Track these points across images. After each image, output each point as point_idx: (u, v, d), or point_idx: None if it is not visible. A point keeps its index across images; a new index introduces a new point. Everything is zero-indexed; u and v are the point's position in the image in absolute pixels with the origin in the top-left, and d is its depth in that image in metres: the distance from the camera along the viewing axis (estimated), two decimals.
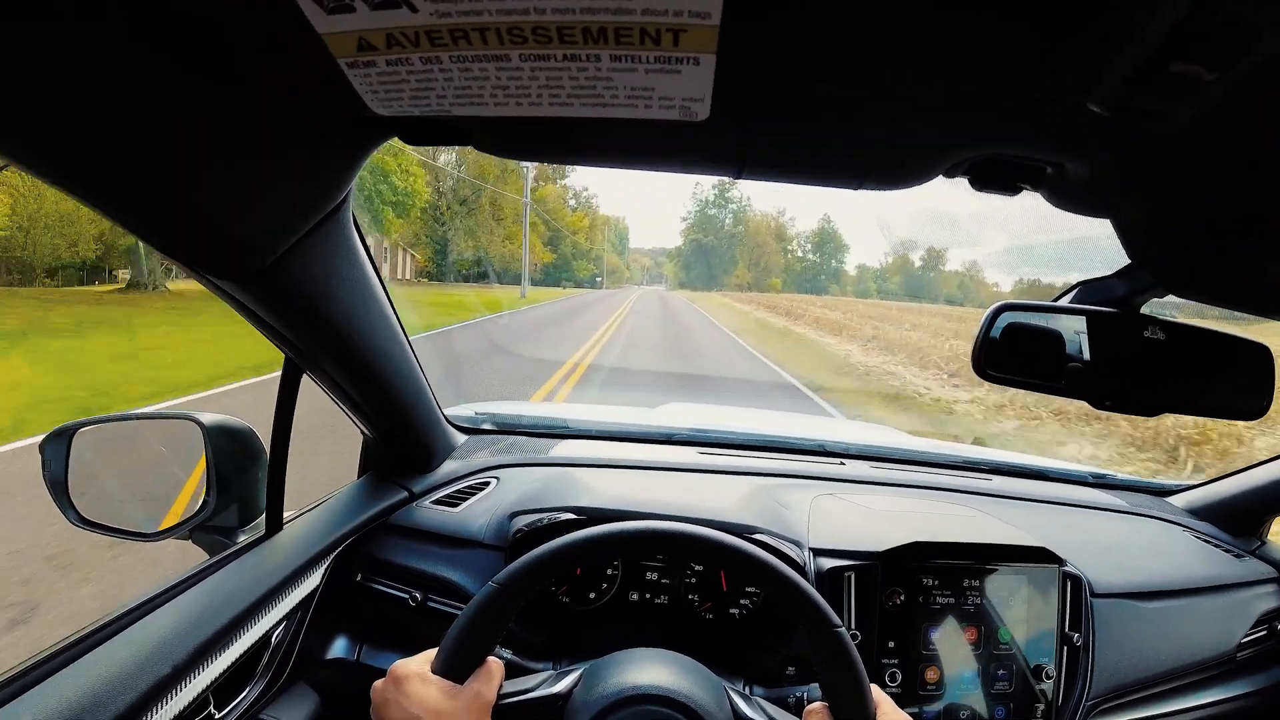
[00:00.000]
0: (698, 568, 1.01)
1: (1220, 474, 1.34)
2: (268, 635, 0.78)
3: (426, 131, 0.44)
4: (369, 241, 0.73)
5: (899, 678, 0.91)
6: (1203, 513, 1.31)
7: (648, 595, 1.01)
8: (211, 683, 0.67)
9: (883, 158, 0.46)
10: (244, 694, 0.76)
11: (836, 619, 0.68)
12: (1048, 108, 0.38)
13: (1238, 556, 1.21)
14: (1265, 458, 1.26)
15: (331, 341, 0.73)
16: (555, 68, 0.34)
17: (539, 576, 0.70)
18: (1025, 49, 0.34)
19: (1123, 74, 0.31)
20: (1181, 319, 0.70)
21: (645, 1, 0.30)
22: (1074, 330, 0.71)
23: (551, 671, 0.73)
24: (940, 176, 0.48)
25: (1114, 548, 1.16)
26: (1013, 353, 0.71)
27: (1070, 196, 0.50)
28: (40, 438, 0.89)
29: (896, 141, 0.44)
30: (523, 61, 0.34)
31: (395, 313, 0.82)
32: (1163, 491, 1.41)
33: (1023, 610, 0.95)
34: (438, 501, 1.05)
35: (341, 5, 0.31)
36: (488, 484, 1.10)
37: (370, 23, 0.32)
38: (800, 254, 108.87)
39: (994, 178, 0.47)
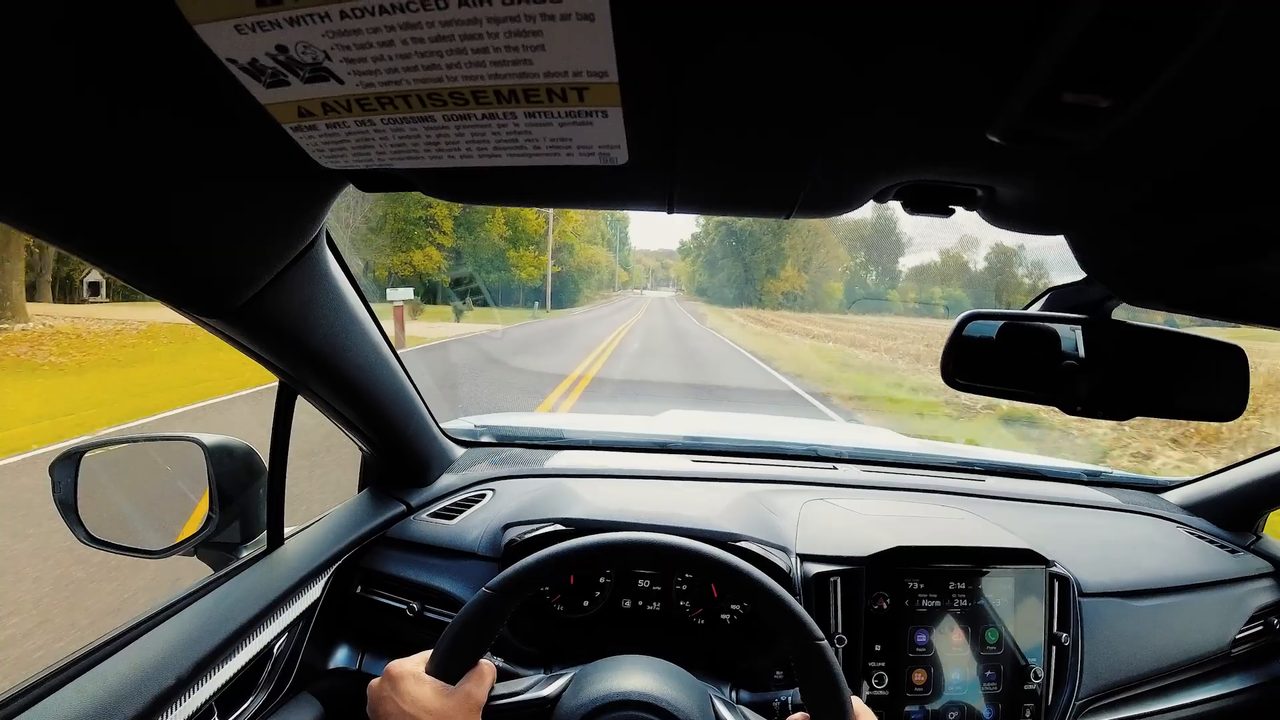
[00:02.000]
0: (689, 575, 1.02)
1: (1215, 469, 1.34)
2: (269, 646, 0.81)
3: (377, 181, 0.48)
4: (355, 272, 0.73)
5: (885, 680, 0.92)
6: (1197, 508, 1.32)
7: (640, 602, 1.03)
8: (214, 694, 0.70)
9: (808, 190, 0.48)
10: (247, 704, 0.79)
11: (818, 631, 0.70)
12: (958, 141, 0.40)
13: (1232, 552, 1.21)
14: (1259, 452, 1.26)
15: (318, 366, 0.76)
16: (478, 125, 0.37)
17: (529, 584, 0.73)
18: (926, 87, 0.36)
19: (1018, 107, 0.33)
20: (1153, 323, 0.71)
21: (546, 65, 0.32)
22: (1060, 341, 0.72)
23: (542, 676, 0.76)
24: (872, 201, 0.49)
25: (1106, 546, 1.16)
26: (984, 360, 0.72)
27: (1005, 217, 0.51)
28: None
29: (818, 176, 0.46)
30: (447, 121, 0.37)
31: (384, 334, 0.85)
32: (1157, 488, 1.41)
33: (1010, 611, 0.96)
34: (435, 514, 1.07)
35: (277, 80, 0.34)
36: (483, 496, 1.12)
37: (304, 94, 0.35)
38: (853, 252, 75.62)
39: (925, 202, 0.48)
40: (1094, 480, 1.43)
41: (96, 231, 0.45)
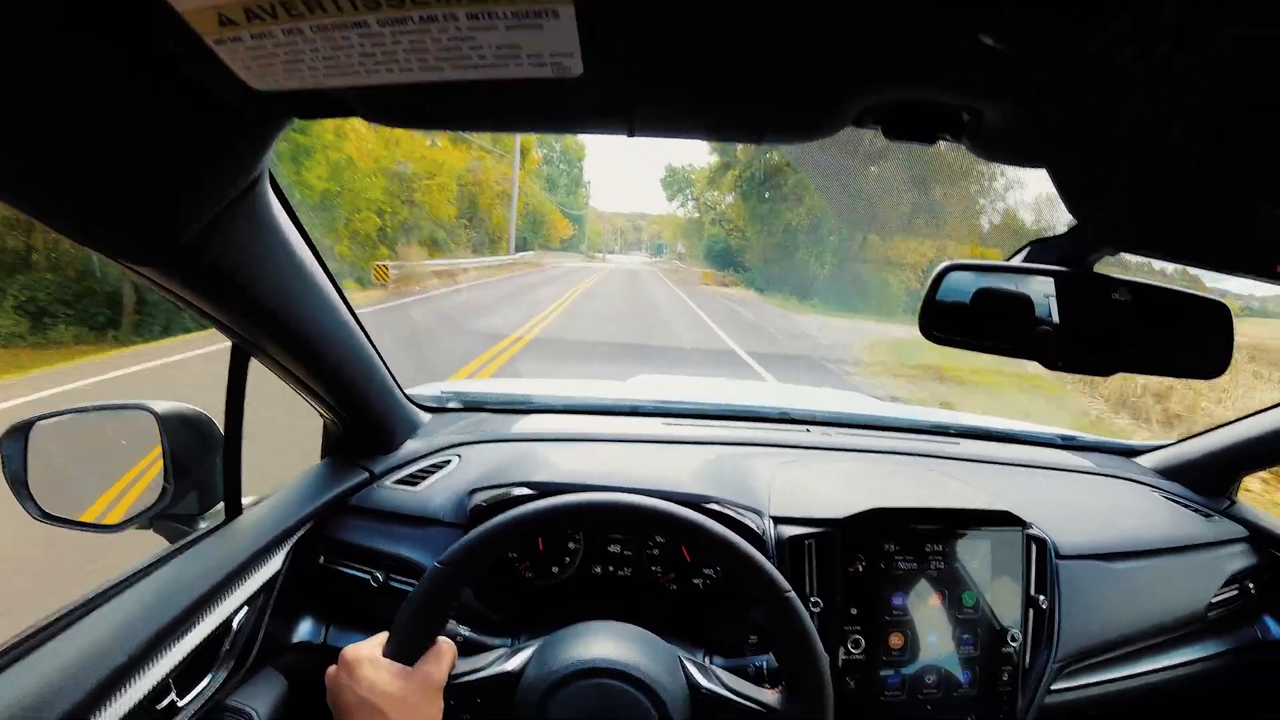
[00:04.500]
0: (660, 540, 1.01)
1: (1189, 434, 1.35)
2: (229, 621, 0.78)
3: (314, 106, 0.44)
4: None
5: (862, 644, 0.91)
6: (1171, 473, 1.32)
7: (611, 568, 1.01)
8: (171, 670, 0.67)
9: (780, 109, 0.45)
10: (206, 681, 0.76)
11: (785, 584, 0.69)
12: (948, 46, 0.37)
13: (1207, 516, 1.22)
14: (1234, 417, 1.26)
15: (269, 324, 0.72)
16: (415, 30, 0.34)
17: (485, 553, 0.70)
18: None
19: (1015, 3, 0.30)
20: (1137, 278, 0.69)
21: None
22: (1042, 294, 0.70)
23: (505, 649, 0.74)
24: (850, 126, 0.46)
25: (1082, 509, 1.16)
26: (964, 313, 0.70)
27: (993, 145, 0.48)
28: None
29: (790, 92, 0.43)
30: (381, 26, 0.34)
31: (341, 294, 0.81)
32: (1131, 452, 1.42)
33: (987, 574, 0.96)
34: (399, 481, 1.04)
35: None
36: (449, 462, 1.09)
37: None
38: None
39: (907, 126, 0.45)
40: (1068, 444, 1.44)
41: (8, 173, 0.42)
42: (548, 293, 16.49)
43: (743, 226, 30.97)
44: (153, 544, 0.86)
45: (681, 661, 0.72)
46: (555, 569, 1.01)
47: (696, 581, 1.01)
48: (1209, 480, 1.28)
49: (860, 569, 0.93)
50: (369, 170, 16.17)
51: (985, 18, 0.33)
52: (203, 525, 0.88)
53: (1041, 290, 0.69)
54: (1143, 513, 1.21)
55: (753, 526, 0.96)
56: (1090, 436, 1.47)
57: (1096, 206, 0.56)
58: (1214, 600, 1.13)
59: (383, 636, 0.70)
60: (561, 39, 0.34)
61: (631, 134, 0.47)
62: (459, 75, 0.38)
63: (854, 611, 0.92)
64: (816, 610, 0.92)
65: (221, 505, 0.88)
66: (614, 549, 1.01)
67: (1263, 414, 1.19)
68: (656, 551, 1.01)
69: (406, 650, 0.68)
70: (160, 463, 0.88)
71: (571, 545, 1.01)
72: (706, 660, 0.78)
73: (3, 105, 0.37)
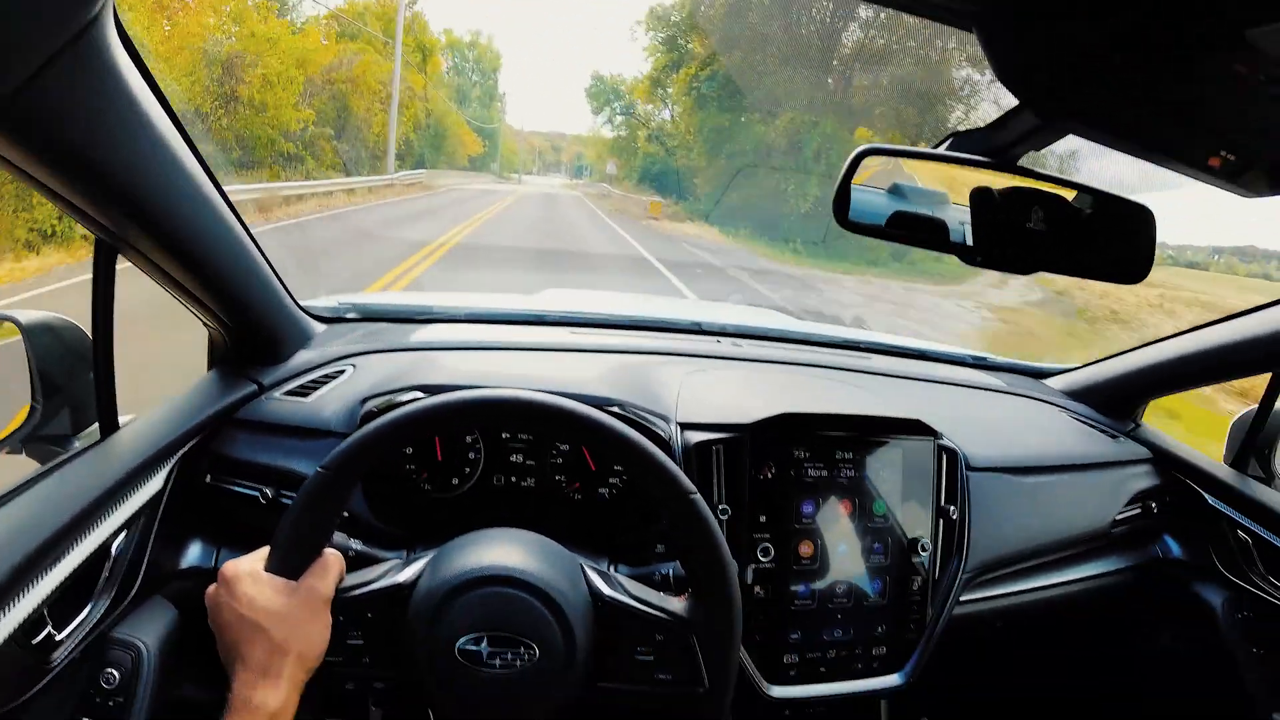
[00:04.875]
0: (564, 447, 0.99)
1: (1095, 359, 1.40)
2: (106, 545, 0.72)
3: None
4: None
5: (771, 553, 0.92)
6: (1079, 395, 1.37)
7: (513, 479, 0.99)
8: (43, 601, 0.62)
9: None
10: (86, 611, 0.71)
11: (690, 485, 0.67)
12: None
13: (1113, 438, 1.27)
14: (1139, 343, 1.31)
15: (130, 209, 0.65)
16: None
17: (368, 455, 0.67)
18: None
19: None
20: (1062, 176, 0.69)
21: None
22: (962, 187, 0.69)
23: (398, 561, 0.71)
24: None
25: (991, 425, 1.19)
26: (877, 202, 0.69)
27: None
28: None
29: None
30: None
31: (216, 182, 0.74)
32: (1041, 374, 1.46)
33: (898, 483, 0.97)
34: (289, 393, 0.99)
35: None
36: (343, 372, 1.04)
37: None
38: None
39: None
40: (979, 364, 1.47)
41: None
42: (424, 230, 11.51)
43: (691, 143, 23.68)
44: (26, 469, 0.79)
45: (584, 569, 0.70)
46: (455, 480, 0.98)
47: (602, 491, 0.99)
48: (1115, 403, 1.33)
49: (769, 476, 0.92)
50: (168, 51, 11.49)
51: None
52: (77, 445, 0.82)
53: (962, 182, 0.68)
54: (1051, 431, 1.25)
55: (659, 432, 0.95)
56: (1001, 359, 1.51)
57: (1023, 68, 0.54)
58: (1118, 518, 1.17)
59: (264, 551, 0.67)
60: None
61: None
62: None
63: (763, 519, 0.92)
64: (725, 518, 0.91)
65: (97, 426, 0.81)
66: (516, 459, 0.99)
67: (1167, 340, 1.24)
68: (560, 460, 0.99)
69: (289, 564, 0.65)
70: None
71: (471, 456, 0.98)
72: (611, 569, 0.77)
73: None
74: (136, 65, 0.58)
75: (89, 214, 0.64)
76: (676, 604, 0.69)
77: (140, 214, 0.66)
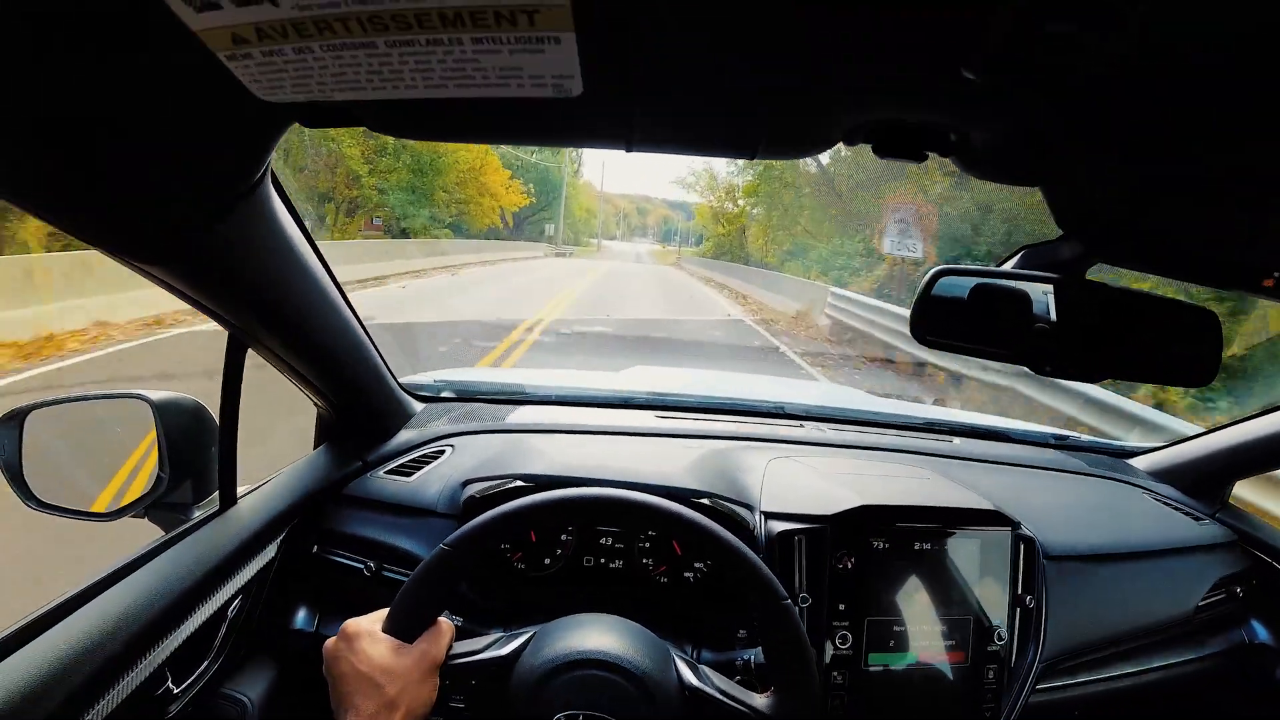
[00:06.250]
0: (652, 532, 1.01)
1: (1183, 438, 1.36)
2: (224, 609, 0.79)
3: (322, 116, 0.46)
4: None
5: (849, 639, 0.92)
6: (1164, 476, 1.33)
7: (602, 560, 1.02)
8: (167, 658, 0.68)
9: (773, 128, 0.46)
10: (201, 668, 0.77)
11: (783, 592, 0.70)
12: (931, 75, 0.37)
13: (1197, 520, 1.23)
14: (1227, 422, 1.27)
15: (267, 316, 0.73)
16: (422, 52, 0.35)
17: (488, 540, 0.72)
18: (900, 16, 0.34)
19: (996, 40, 0.31)
20: (1128, 285, 0.70)
21: None
22: (1039, 292, 0.70)
23: (501, 635, 0.74)
24: (841, 143, 0.47)
25: (1071, 510, 1.17)
26: (957, 316, 0.71)
27: (982, 164, 0.49)
28: None
29: (784, 111, 0.43)
30: (389, 48, 0.35)
31: (338, 286, 0.82)
32: (1124, 454, 1.42)
33: (975, 572, 0.96)
34: (392, 471, 1.05)
35: (208, 4, 0.32)
36: (443, 452, 1.09)
37: (238, 18, 0.33)
38: None
39: (897, 144, 0.46)
40: (1061, 444, 1.44)
41: (23, 175, 0.43)
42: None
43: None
44: (148, 533, 0.87)
45: (673, 658, 0.73)
46: (547, 560, 1.01)
47: (687, 575, 1.01)
48: (1201, 485, 1.29)
49: (849, 565, 0.93)
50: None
51: (963, 55, 0.34)
52: (197, 514, 0.89)
53: (1032, 299, 0.69)
54: (1133, 514, 1.21)
55: (744, 521, 0.97)
56: (1084, 437, 1.48)
57: (1087, 224, 0.57)
58: (1201, 604, 1.13)
59: (383, 612, 0.71)
60: (562, 62, 0.36)
61: (629, 149, 0.48)
62: (463, 93, 0.39)
63: (842, 608, 0.93)
64: (805, 606, 0.92)
65: (217, 494, 0.88)
66: (605, 541, 1.02)
67: (1255, 419, 1.20)
68: (647, 544, 1.02)
69: (406, 627, 0.69)
70: (155, 452, 0.89)
71: (564, 537, 1.02)
72: (695, 655, 0.79)
73: (19, 109, 0.38)
74: (287, 207, 0.66)
75: (229, 319, 0.71)
76: (760, 700, 0.71)
77: (276, 319, 0.74)
